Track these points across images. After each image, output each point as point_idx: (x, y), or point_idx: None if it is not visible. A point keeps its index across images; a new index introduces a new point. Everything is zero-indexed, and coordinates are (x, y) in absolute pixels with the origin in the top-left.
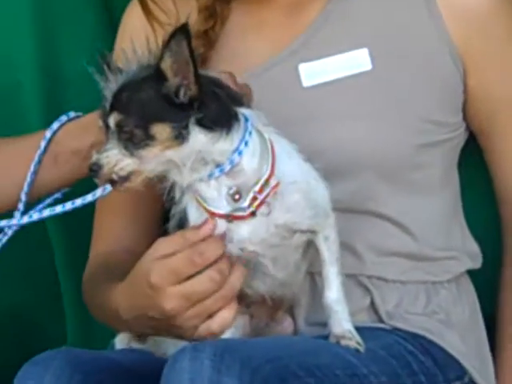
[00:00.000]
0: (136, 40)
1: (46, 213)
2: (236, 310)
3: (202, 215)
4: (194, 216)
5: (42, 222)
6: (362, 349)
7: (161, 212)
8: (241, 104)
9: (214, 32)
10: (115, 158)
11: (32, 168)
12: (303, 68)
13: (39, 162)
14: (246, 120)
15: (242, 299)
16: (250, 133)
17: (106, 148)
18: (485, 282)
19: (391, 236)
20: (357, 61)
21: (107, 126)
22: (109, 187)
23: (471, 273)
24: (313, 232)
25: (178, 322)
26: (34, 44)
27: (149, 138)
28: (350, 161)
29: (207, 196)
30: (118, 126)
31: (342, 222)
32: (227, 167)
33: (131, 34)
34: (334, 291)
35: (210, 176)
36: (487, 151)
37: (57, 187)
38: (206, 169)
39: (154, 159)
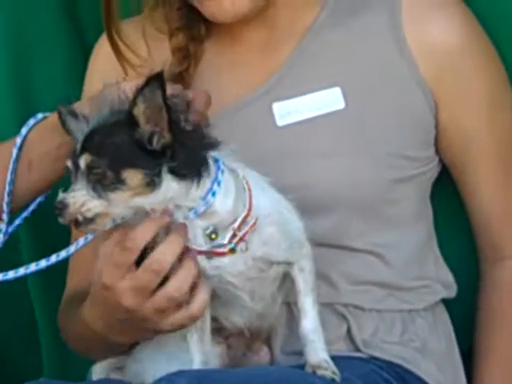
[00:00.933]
0: (106, 80)
1: (32, 268)
2: (205, 295)
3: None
4: None
5: (16, 251)
6: (337, 378)
7: None
8: (212, 145)
9: (189, 73)
10: (82, 199)
11: (9, 177)
12: (277, 107)
13: (14, 170)
14: (217, 161)
15: (220, 331)
16: (223, 171)
17: (74, 188)
18: (460, 314)
19: (366, 266)
20: (330, 99)
21: (76, 167)
22: (90, 236)
23: (447, 304)
24: (288, 263)
25: (145, 316)
26: (6, 69)
27: (119, 182)
28: (324, 198)
29: (193, 231)
30: (89, 167)
31: (316, 254)
32: (201, 209)
33: (101, 74)
34: (309, 321)
35: (185, 219)
36: (460, 183)
37: (35, 193)
38: (178, 212)
39: (122, 203)
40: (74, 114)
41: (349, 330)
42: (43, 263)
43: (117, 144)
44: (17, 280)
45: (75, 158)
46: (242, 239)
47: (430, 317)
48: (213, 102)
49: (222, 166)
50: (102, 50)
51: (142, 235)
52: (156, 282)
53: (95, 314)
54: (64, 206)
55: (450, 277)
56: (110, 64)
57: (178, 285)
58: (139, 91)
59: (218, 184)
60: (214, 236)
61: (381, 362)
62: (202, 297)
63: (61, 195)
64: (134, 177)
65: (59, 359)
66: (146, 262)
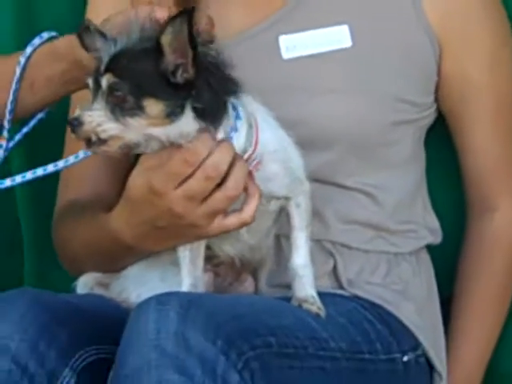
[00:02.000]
0: (111, 10)
1: (29, 176)
2: (256, 201)
3: None
4: None
5: (6, 170)
6: (322, 314)
7: (131, 158)
8: (234, 91)
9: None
10: (99, 119)
11: (11, 96)
12: (283, 40)
13: (17, 89)
14: (235, 108)
15: (211, 259)
16: (241, 119)
17: (92, 107)
18: (442, 261)
19: (358, 205)
20: (337, 37)
21: (97, 86)
22: (81, 154)
23: (431, 250)
24: (286, 198)
25: (191, 221)
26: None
27: (139, 108)
28: (324, 134)
29: None
30: (110, 88)
31: (311, 189)
32: None
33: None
34: (301, 256)
35: None
36: (456, 132)
37: (37, 110)
38: None
39: (138, 130)
40: (102, 33)
41: (335, 267)
42: (29, 175)
43: (141, 70)
44: (4, 198)
45: (98, 76)
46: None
47: (414, 261)
48: (219, 30)
49: (240, 114)
50: None
51: (201, 150)
52: (210, 188)
53: (130, 222)
54: (80, 123)
55: (436, 223)
56: None
57: (235, 185)
58: (169, 21)
59: (235, 131)
60: None
61: (363, 302)
62: (254, 202)
63: (77, 112)
64: (154, 106)
65: (41, 272)
66: (201, 169)
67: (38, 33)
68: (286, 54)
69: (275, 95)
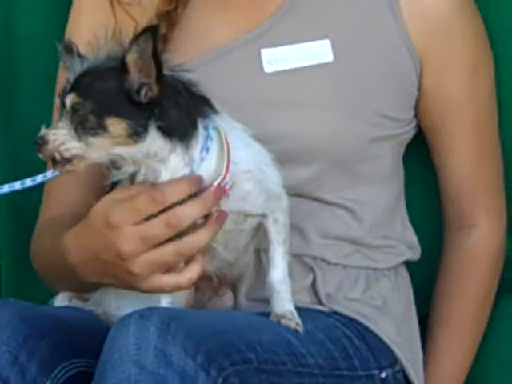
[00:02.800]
0: (93, 19)
1: (5, 189)
2: (199, 268)
3: None
4: None
5: None
6: (301, 330)
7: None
8: (204, 110)
9: (176, 13)
10: (62, 138)
11: None
12: (265, 53)
13: None
14: (206, 127)
15: None
16: (212, 139)
17: (57, 125)
18: (422, 277)
19: (338, 220)
20: (319, 51)
21: (63, 105)
22: (49, 174)
23: (409, 267)
24: (263, 215)
25: (132, 267)
26: None
27: (101, 128)
28: (304, 149)
29: None
30: (73, 107)
31: (291, 205)
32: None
33: (88, 8)
34: (279, 272)
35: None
36: (435, 148)
37: None
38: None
39: (102, 149)
40: (70, 50)
41: (314, 282)
42: (5, 188)
43: (105, 89)
44: None
45: (63, 95)
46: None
47: (393, 277)
48: (200, 44)
49: (211, 133)
50: None
51: (173, 191)
52: (166, 236)
53: (78, 245)
54: (44, 141)
55: (415, 239)
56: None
57: (191, 245)
58: (134, 40)
59: (207, 150)
60: None
61: (341, 317)
62: (196, 269)
63: (43, 131)
64: (117, 125)
65: (19, 284)
66: (166, 214)
67: (16, 42)
68: (268, 68)
69: (256, 109)
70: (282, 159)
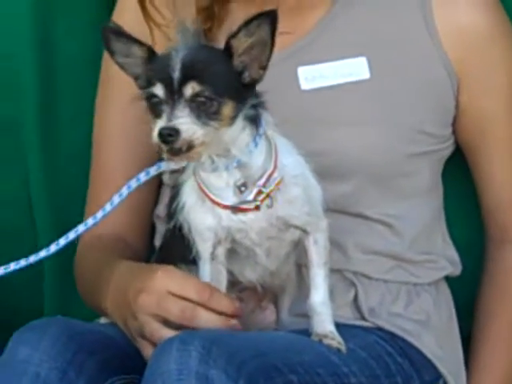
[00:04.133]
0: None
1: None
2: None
3: (198, 200)
4: (190, 198)
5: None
6: (343, 349)
7: (153, 202)
8: (263, 104)
9: (212, 33)
10: (193, 127)
11: None
12: (302, 71)
13: None
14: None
15: (235, 285)
16: (261, 135)
17: (177, 115)
18: (463, 294)
19: (378, 235)
20: (355, 69)
21: (174, 95)
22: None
23: (450, 284)
24: (304, 231)
25: (138, 313)
26: (29, 17)
27: (218, 112)
28: (343, 165)
29: (214, 186)
30: (196, 95)
31: (331, 220)
32: (244, 159)
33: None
34: (320, 294)
35: (228, 167)
36: (473, 165)
37: None
38: (226, 157)
39: (216, 133)
40: (120, 35)
41: (356, 297)
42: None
43: (219, 73)
44: (28, 230)
45: (177, 85)
46: (268, 195)
47: (434, 292)
48: None
49: (261, 131)
50: (127, 4)
51: (218, 301)
52: (175, 319)
53: (116, 284)
54: (177, 132)
55: (455, 254)
56: (135, 19)
57: (195, 315)
58: (244, 25)
59: (255, 145)
60: (243, 189)
61: (383, 333)
62: (147, 352)
63: (165, 123)
64: (229, 107)
65: (62, 302)
66: (189, 304)
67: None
68: (305, 85)
69: (294, 126)
70: (321, 175)
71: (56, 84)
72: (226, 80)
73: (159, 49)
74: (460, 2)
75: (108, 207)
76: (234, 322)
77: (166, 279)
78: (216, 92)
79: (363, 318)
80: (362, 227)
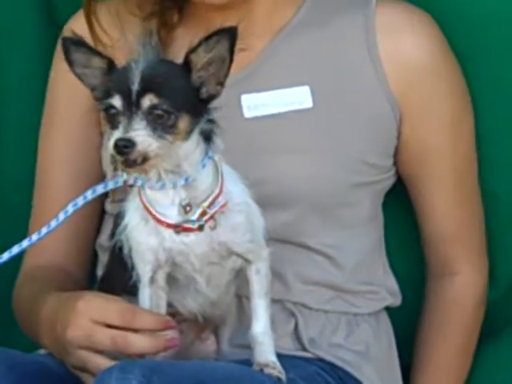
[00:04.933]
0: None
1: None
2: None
3: (142, 220)
4: (133, 218)
5: None
6: (283, 378)
7: (94, 231)
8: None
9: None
10: (149, 139)
11: None
12: (245, 99)
13: None
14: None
15: (175, 316)
16: (210, 158)
17: (134, 127)
18: (402, 324)
19: (318, 266)
20: (298, 97)
21: (131, 106)
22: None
23: (391, 314)
24: (246, 260)
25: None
26: None
27: (174, 126)
28: (285, 193)
29: (159, 204)
30: (153, 107)
31: (272, 250)
32: (192, 177)
33: None
34: (261, 324)
35: (175, 184)
36: (415, 196)
37: None
38: (176, 173)
39: (170, 147)
40: (80, 44)
41: (296, 328)
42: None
43: (178, 88)
44: None
45: (135, 97)
46: (212, 217)
47: (374, 323)
48: None
49: (214, 146)
50: (74, 28)
51: (143, 320)
52: (107, 348)
53: (48, 312)
54: (133, 144)
55: (395, 285)
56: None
57: (128, 342)
58: (204, 39)
59: (208, 159)
60: (188, 209)
61: (323, 364)
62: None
63: (121, 135)
64: (184, 122)
65: (4, 331)
66: (119, 332)
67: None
68: (248, 113)
69: (237, 154)
70: (263, 203)
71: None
72: (184, 94)
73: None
74: (403, 33)
75: (53, 223)
76: (168, 334)
77: (87, 309)
78: (173, 106)
79: (304, 349)
80: (303, 257)
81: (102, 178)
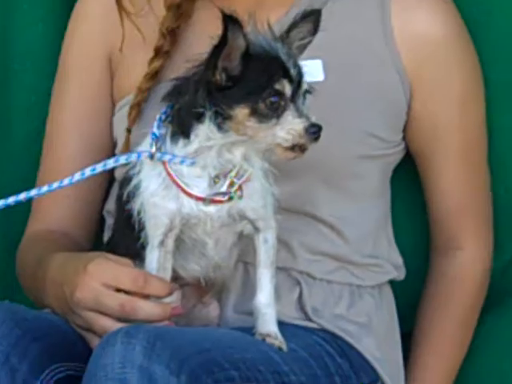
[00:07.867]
0: (94, 24)
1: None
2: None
3: (161, 185)
4: (152, 183)
5: None
6: (285, 348)
7: (102, 198)
8: None
9: (179, 30)
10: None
11: None
12: None
13: None
14: None
15: (176, 280)
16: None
17: (308, 113)
18: (405, 297)
19: (324, 237)
20: (310, 70)
21: (295, 91)
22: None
23: (394, 286)
24: (256, 228)
25: (76, 309)
26: None
27: None
28: (294, 163)
29: (187, 176)
30: (306, 92)
31: (280, 219)
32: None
33: (88, 16)
34: (265, 295)
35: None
36: (423, 171)
37: None
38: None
39: None
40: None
41: (300, 296)
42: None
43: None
44: None
45: (296, 82)
46: (239, 187)
47: (377, 295)
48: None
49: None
50: None
51: (155, 286)
52: (115, 314)
53: (52, 279)
54: (320, 128)
55: (400, 259)
56: (98, 8)
57: (135, 307)
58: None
59: None
60: (217, 180)
61: (325, 334)
62: (94, 344)
63: (309, 121)
64: None
65: (9, 288)
66: (127, 297)
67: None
68: None
69: None
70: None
71: (11, 73)
72: None
73: (127, 38)
74: (420, 9)
75: (66, 181)
76: (171, 300)
77: (99, 272)
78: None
79: (307, 318)
80: (309, 227)
81: (110, 145)
